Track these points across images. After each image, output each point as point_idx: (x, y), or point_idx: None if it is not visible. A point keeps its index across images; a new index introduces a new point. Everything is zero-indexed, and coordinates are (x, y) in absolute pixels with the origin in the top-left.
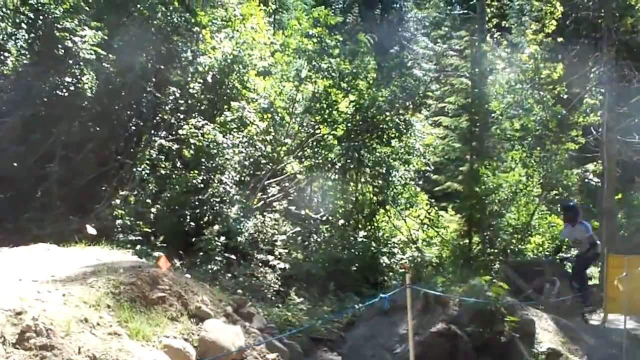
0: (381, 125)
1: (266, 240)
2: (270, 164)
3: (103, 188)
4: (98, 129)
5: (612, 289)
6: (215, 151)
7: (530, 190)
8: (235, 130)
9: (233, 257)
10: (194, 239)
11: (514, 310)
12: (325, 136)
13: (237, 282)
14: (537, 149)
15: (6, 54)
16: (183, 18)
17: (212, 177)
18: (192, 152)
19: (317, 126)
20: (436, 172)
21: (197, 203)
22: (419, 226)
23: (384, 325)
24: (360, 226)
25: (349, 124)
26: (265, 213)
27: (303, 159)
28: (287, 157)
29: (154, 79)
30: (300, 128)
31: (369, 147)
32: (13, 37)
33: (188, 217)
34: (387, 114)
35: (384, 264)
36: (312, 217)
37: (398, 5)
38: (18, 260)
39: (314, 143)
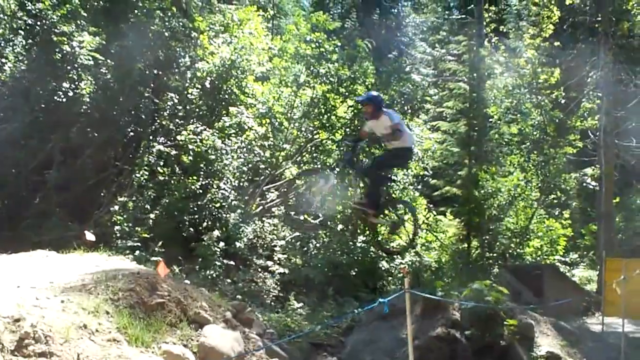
0: None
1: (265, 245)
2: (269, 169)
3: (102, 194)
4: (96, 134)
5: (610, 293)
6: (213, 157)
7: (529, 195)
8: (233, 135)
9: (232, 262)
10: (192, 245)
11: (513, 314)
12: (324, 141)
13: (237, 287)
14: (535, 153)
15: (3, 60)
16: (181, 23)
17: (211, 182)
18: (190, 157)
19: (315, 131)
20: (435, 177)
21: (195, 209)
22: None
23: (383, 329)
24: (359, 231)
25: (348, 129)
26: (264, 218)
27: (302, 164)
28: (286, 162)
29: (152, 85)
30: (298, 133)
31: (368, 152)
32: (10, 43)
33: (187, 222)
34: None
35: (383, 269)
36: (311, 222)
37: (396, 11)
38: (16, 267)
39: (313, 148)
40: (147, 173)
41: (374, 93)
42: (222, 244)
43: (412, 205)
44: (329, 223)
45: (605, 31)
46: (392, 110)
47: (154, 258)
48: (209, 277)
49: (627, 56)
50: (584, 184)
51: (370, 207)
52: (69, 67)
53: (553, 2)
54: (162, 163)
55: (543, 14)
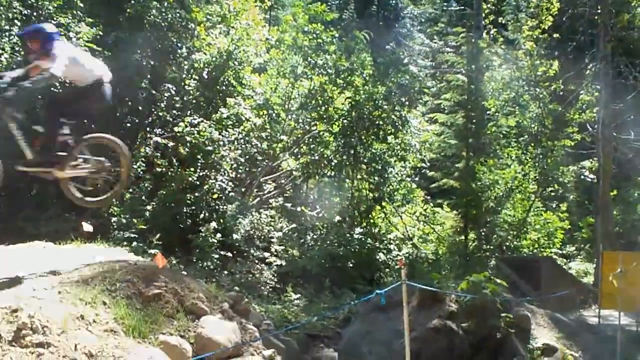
0: (377, 122)
1: (262, 237)
2: (266, 161)
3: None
4: (93, 126)
5: (607, 285)
6: (211, 148)
7: (526, 187)
8: (231, 127)
9: (229, 254)
10: (190, 236)
11: (510, 306)
12: (321, 133)
13: (234, 279)
14: (533, 146)
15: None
16: (178, 14)
17: (208, 174)
18: (187, 149)
19: (313, 123)
20: (432, 169)
21: (193, 200)
22: (415, 223)
23: (380, 321)
24: (356, 223)
25: (345, 121)
26: (261, 210)
27: (299, 156)
28: (283, 154)
29: (149, 76)
30: (296, 125)
31: (365, 143)
32: (6, 34)
33: (184, 214)
34: (384, 109)
35: (380, 261)
36: (308, 213)
37: (394, 2)
38: (14, 258)
39: (310, 140)
40: (144, 165)
41: (44, 25)
42: (219, 235)
43: (118, 141)
44: (326, 215)
45: (605, 23)
46: (65, 46)
47: (151, 250)
48: (206, 268)
49: (626, 48)
50: (582, 177)
51: (52, 165)
52: None
53: None
54: (159, 154)
55: (542, 6)
